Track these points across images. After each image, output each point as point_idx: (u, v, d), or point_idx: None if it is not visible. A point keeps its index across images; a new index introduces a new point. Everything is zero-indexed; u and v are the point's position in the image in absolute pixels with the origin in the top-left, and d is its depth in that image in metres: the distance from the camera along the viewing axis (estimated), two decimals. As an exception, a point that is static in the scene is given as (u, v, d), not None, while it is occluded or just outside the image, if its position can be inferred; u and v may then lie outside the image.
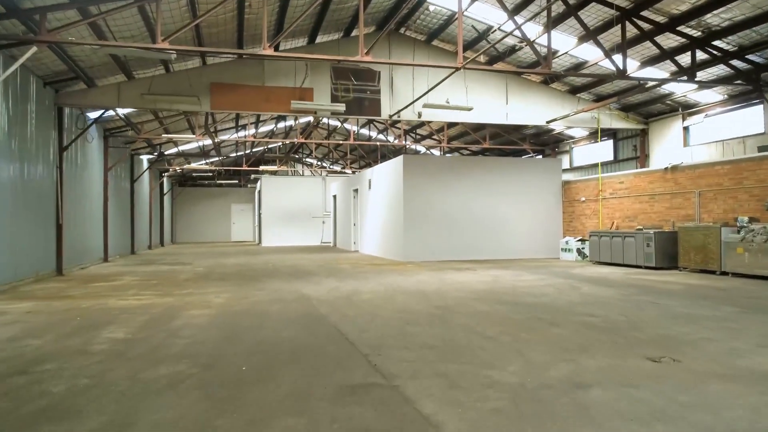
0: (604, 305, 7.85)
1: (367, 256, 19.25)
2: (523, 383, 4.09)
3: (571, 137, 20.56)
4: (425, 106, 14.18)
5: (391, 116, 14.89)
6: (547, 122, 16.17)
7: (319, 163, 36.13)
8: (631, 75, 11.80)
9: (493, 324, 6.48)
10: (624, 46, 11.18)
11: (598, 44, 11.20)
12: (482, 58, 14.51)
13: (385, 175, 18.71)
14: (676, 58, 12.10)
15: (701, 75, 12.87)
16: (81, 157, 15.27)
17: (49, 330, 6.30)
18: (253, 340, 5.72)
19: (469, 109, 14.46)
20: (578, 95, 16.38)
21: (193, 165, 28.41)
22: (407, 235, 16.75)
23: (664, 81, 11.89)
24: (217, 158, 29.78)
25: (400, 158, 17.18)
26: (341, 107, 13.87)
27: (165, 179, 31.39)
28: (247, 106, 13.95)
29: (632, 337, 5.69)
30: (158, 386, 4.09)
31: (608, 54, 11.25)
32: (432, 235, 16.96)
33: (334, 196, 27.69)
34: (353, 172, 27.84)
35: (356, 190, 22.87)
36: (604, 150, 18.90)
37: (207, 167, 29.07)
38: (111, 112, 15.93)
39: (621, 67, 11.20)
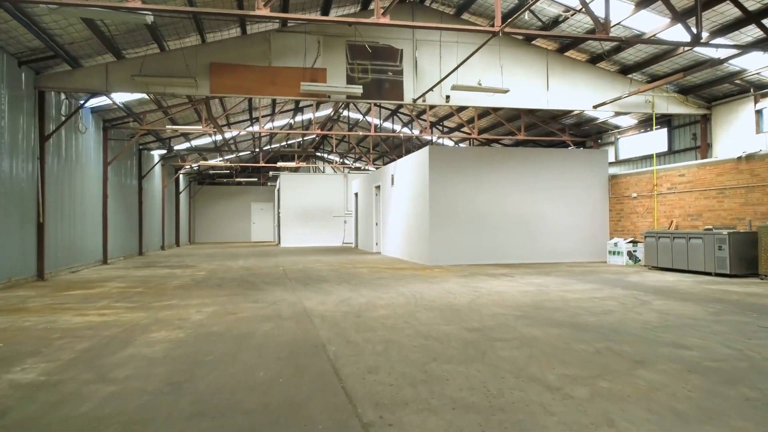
0: (694, 330, 5.91)
1: (389, 259, 17.46)
2: None
3: (617, 127, 18.41)
4: (454, 87, 12.28)
5: (414, 100, 13.05)
6: (594, 107, 14.12)
7: (340, 159, 34.46)
8: (709, 42, 9.75)
9: (552, 360, 4.63)
10: (698, 7, 9.15)
11: (668, 5, 9.19)
12: (524, 25, 12.54)
13: (409, 169, 16.89)
14: (761, 22, 9.99)
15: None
16: (73, 149, 13.80)
17: (-50, 363, 4.69)
18: (211, 386, 3.99)
19: (505, 92, 12.53)
20: (629, 76, 14.29)
21: (209, 162, 26.97)
22: (433, 235, 14.90)
23: (747, 48, 9.79)
24: (233, 154, 28.36)
25: (425, 150, 15.34)
26: (358, 90, 12.10)
27: (181, 176, 30.06)
28: (251, 89, 12.28)
29: (770, 391, 3.79)
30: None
31: (680, 17, 9.23)
32: (461, 235, 15.09)
33: (356, 194, 25.98)
34: (377, 169, 26.08)
35: (378, 187, 21.10)
36: (657, 140, 16.72)
37: (223, 164, 27.60)
38: (107, 100, 14.44)
39: (695, 32, 9.18)
